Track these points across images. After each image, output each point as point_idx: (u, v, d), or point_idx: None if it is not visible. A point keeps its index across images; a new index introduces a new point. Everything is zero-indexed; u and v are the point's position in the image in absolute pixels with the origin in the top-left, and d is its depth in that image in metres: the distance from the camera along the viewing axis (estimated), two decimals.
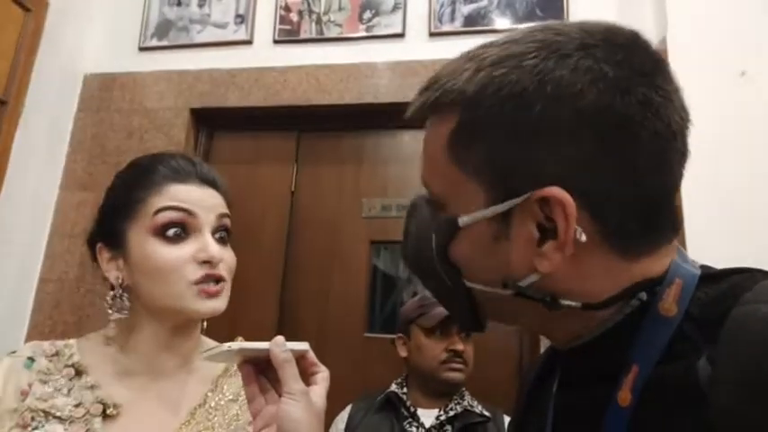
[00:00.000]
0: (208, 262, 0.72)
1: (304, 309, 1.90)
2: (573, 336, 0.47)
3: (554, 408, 0.51)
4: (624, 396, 0.42)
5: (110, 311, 0.74)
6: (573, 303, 0.44)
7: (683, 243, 1.34)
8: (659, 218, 0.45)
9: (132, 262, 0.73)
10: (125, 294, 0.74)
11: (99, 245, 0.77)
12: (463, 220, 0.46)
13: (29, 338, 1.85)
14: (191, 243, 0.73)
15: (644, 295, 0.43)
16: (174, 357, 0.77)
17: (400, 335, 1.44)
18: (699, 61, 1.50)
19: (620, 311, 0.44)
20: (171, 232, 0.72)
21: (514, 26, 1.85)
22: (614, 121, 0.41)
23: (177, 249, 0.72)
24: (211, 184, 0.78)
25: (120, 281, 0.74)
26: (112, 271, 0.75)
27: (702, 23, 1.55)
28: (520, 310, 0.48)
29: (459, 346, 1.34)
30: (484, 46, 0.46)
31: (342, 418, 1.40)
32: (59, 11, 2.02)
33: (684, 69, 1.61)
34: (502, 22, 1.88)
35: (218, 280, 0.74)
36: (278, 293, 1.91)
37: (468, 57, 0.46)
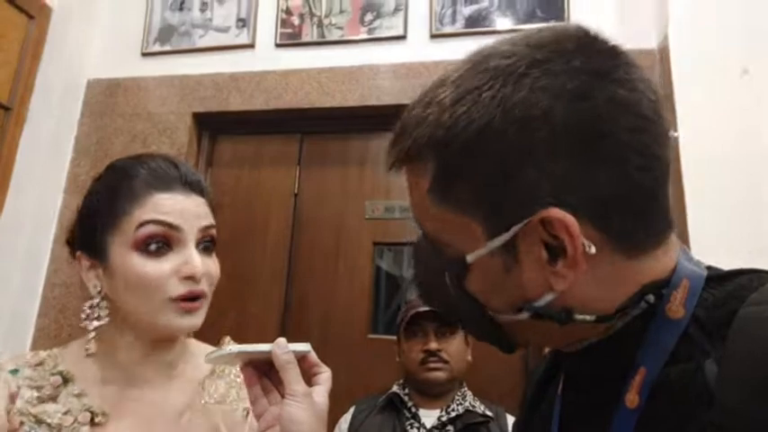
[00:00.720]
0: (191, 278, 0.70)
1: (308, 310, 1.90)
2: (581, 339, 0.47)
3: (560, 408, 0.51)
4: (632, 398, 0.42)
5: (85, 321, 0.72)
6: (587, 317, 0.44)
7: (686, 243, 1.34)
8: (655, 210, 0.45)
9: (112, 273, 0.71)
10: (103, 303, 0.72)
11: (78, 252, 0.74)
12: (470, 257, 0.45)
13: (35, 342, 1.86)
14: (173, 257, 0.70)
15: (651, 298, 0.43)
16: (156, 366, 0.75)
17: (396, 342, 1.47)
18: (700, 60, 1.50)
19: (627, 314, 0.44)
20: (153, 246, 0.69)
21: (515, 27, 1.85)
22: (587, 129, 0.41)
23: (159, 264, 0.69)
24: (196, 189, 0.74)
25: (98, 290, 0.72)
26: (92, 280, 0.73)
27: (703, 22, 1.55)
28: (540, 331, 0.48)
29: (433, 345, 1.34)
30: (438, 86, 0.46)
31: (345, 420, 1.40)
32: (62, 17, 2.04)
33: (685, 69, 1.61)
34: (503, 23, 1.89)
35: (199, 297, 0.71)
36: (282, 295, 1.91)
37: (427, 102, 0.46)
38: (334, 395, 0.63)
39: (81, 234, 0.74)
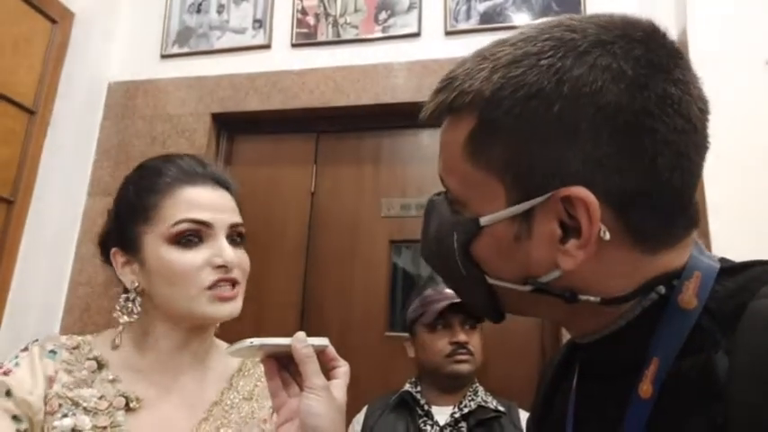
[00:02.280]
0: (223, 266, 0.73)
1: (326, 308, 1.92)
2: (592, 329, 0.48)
3: (575, 400, 0.51)
4: (645, 388, 0.42)
5: (119, 314, 0.75)
6: (592, 298, 0.44)
7: (706, 238, 1.32)
8: (680, 212, 0.45)
9: (148, 267, 0.74)
10: (138, 298, 0.75)
11: (114, 249, 0.77)
12: (485, 219, 0.46)
13: None
14: (205, 248, 0.74)
15: (662, 289, 0.44)
16: (189, 357, 0.78)
17: (407, 337, 1.46)
18: (720, 52, 1.47)
19: (638, 305, 0.45)
20: (186, 240, 0.73)
21: (531, 22, 1.84)
22: (634, 119, 0.41)
23: (192, 254, 0.73)
24: (223, 185, 0.79)
25: (135, 285, 0.75)
26: (128, 275, 0.76)
27: (723, 13, 1.52)
28: (539, 305, 0.48)
29: (462, 337, 1.34)
30: (498, 44, 0.46)
31: (358, 420, 1.41)
32: (84, 22, 2.08)
33: (706, 61, 1.59)
34: (518, 19, 1.88)
35: (234, 284, 0.75)
36: (300, 293, 1.93)
37: (483, 56, 0.46)
38: (351, 392, 0.64)
39: (115, 232, 0.78)
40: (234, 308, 0.75)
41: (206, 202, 0.75)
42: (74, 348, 0.74)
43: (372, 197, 1.97)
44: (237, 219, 0.78)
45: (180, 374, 0.77)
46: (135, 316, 0.75)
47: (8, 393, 0.68)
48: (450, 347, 1.34)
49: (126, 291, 0.77)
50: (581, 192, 0.41)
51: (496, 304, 0.51)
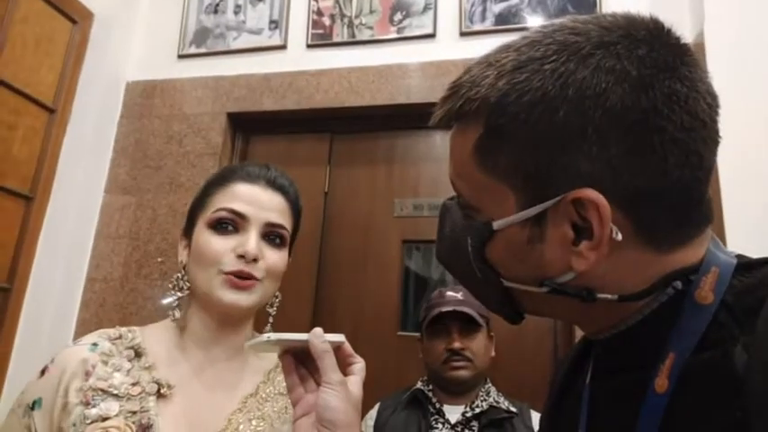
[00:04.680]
0: (242, 256, 0.76)
1: (338, 307, 1.93)
2: (608, 326, 0.48)
3: (589, 397, 0.51)
4: (661, 383, 0.42)
5: (171, 292, 0.81)
6: (609, 296, 0.45)
7: (721, 237, 1.31)
8: (693, 210, 0.45)
9: (192, 248, 0.81)
10: (185, 276, 0.81)
11: (182, 234, 0.86)
12: (497, 223, 0.46)
13: (77, 336, 1.94)
14: (236, 238, 0.78)
15: (679, 284, 0.44)
16: (226, 348, 0.81)
17: (418, 337, 1.48)
18: (738, 54, 1.46)
19: (655, 300, 0.45)
20: (221, 226, 0.79)
21: (546, 23, 1.83)
22: (641, 119, 0.41)
23: (222, 241, 0.78)
24: (277, 188, 0.83)
25: (182, 263, 0.82)
26: (181, 254, 0.83)
27: (741, 14, 1.51)
28: (556, 305, 0.48)
29: (457, 344, 1.34)
30: (502, 49, 0.47)
31: (371, 416, 1.42)
32: (103, 22, 2.11)
33: (723, 63, 1.58)
34: (534, 20, 1.88)
35: (249, 277, 0.77)
36: (313, 292, 1.94)
37: (488, 62, 0.46)
38: (364, 391, 0.64)
39: (187, 216, 0.86)
40: (242, 298, 0.76)
41: (248, 197, 0.80)
42: (116, 339, 0.78)
43: (385, 197, 1.98)
44: (279, 220, 0.81)
45: (216, 365, 0.80)
46: (185, 291, 0.80)
47: (35, 405, 0.72)
48: (445, 354, 1.35)
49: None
50: (591, 194, 0.41)
51: (514, 305, 0.51)
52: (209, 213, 0.80)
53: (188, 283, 0.81)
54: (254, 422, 0.76)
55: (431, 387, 1.41)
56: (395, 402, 1.42)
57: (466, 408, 1.34)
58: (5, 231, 1.81)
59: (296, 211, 0.86)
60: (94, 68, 2.07)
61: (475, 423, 1.32)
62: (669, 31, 0.45)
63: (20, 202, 1.85)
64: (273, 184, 0.83)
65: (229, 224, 0.79)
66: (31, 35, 1.87)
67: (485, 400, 1.35)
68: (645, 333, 0.45)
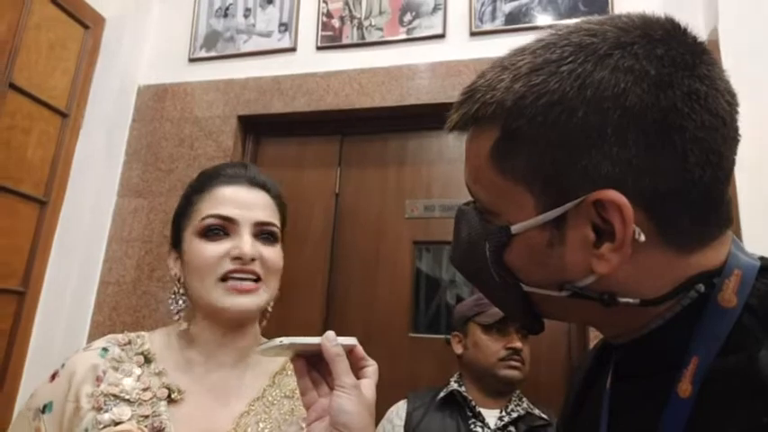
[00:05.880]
0: (238, 258, 0.76)
1: (350, 309, 1.93)
2: (629, 330, 0.47)
3: (609, 401, 0.51)
4: (685, 387, 0.41)
5: (171, 305, 0.81)
6: (631, 300, 0.44)
7: (737, 235, 1.29)
8: (714, 210, 0.44)
9: (184, 260, 0.80)
10: (182, 289, 0.81)
11: (169, 247, 0.85)
12: (516, 227, 0.46)
13: (90, 339, 1.95)
14: (228, 241, 0.78)
15: (701, 287, 0.43)
16: (232, 353, 0.81)
17: (456, 333, 1.44)
18: (751, 52, 1.44)
19: (677, 304, 0.44)
20: (211, 233, 0.78)
21: (557, 22, 1.82)
22: (660, 118, 0.41)
23: (215, 246, 0.77)
24: (260, 186, 0.82)
25: (177, 276, 0.81)
26: (173, 268, 0.83)
27: (755, 12, 1.49)
28: (576, 309, 0.48)
29: (518, 344, 1.33)
30: (517, 53, 0.46)
31: (398, 415, 1.38)
32: (115, 27, 2.13)
33: (736, 61, 1.56)
34: (544, 19, 1.86)
35: (256, 279, 0.77)
36: (324, 294, 1.94)
37: (503, 66, 0.46)
38: (376, 393, 0.64)
39: (172, 230, 0.85)
40: (251, 301, 0.77)
41: (234, 200, 0.79)
42: (125, 344, 0.78)
43: (396, 198, 1.98)
44: (266, 218, 0.81)
45: (223, 369, 0.80)
46: (185, 305, 0.80)
47: (45, 408, 0.73)
48: (504, 351, 1.33)
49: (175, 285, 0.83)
50: (613, 195, 0.41)
51: (533, 311, 0.51)
52: (195, 222, 0.79)
53: (184, 297, 0.80)
54: (261, 425, 0.77)
55: (464, 388, 1.38)
56: (425, 402, 1.38)
57: (502, 412, 1.32)
58: (20, 235, 1.83)
59: (281, 206, 0.85)
60: (106, 73, 2.09)
61: (512, 428, 1.30)
62: (686, 30, 0.44)
63: (34, 207, 1.87)
64: (255, 183, 0.82)
65: (219, 230, 0.78)
66: (45, 41, 1.89)
67: (519, 405, 1.34)
68: (667, 337, 0.45)
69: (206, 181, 0.82)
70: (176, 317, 0.80)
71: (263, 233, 0.80)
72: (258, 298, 0.77)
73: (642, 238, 0.41)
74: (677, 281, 0.44)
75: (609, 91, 0.41)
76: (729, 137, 0.43)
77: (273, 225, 0.82)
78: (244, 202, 0.80)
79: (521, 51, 0.46)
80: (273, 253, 0.80)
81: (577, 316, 0.51)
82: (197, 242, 0.78)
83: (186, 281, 0.80)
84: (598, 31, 0.43)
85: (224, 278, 0.76)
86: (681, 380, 0.42)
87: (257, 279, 0.77)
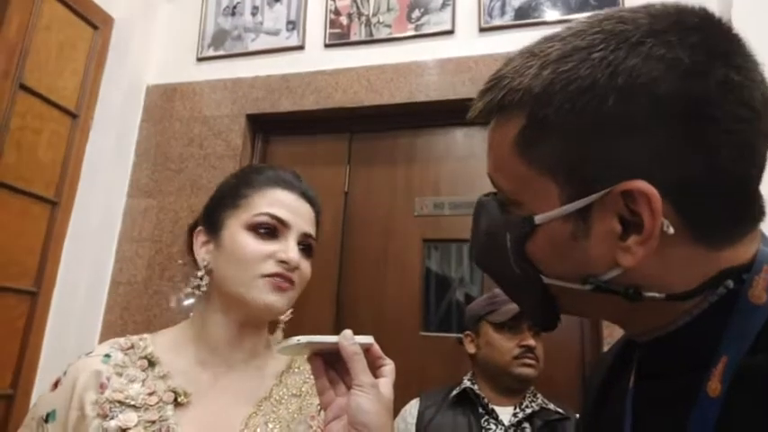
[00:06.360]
0: (284, 262, 0.77)
1: (359, 307, 1.92)
2: (654, 326, 0.46)
3: (633, 401, 0.50)
4: (714, 386, 0.40)
5: (188, 290, 0.81)
6: (657, 295, 0.43)
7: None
8: (744, 205, 0.43)
9: (222, 247, 0.80)
10: (206, 277, 0.81)
11: (199, 228, 0.84)
12: (539, 218, 0.45)
13: (102, 338, 1.96)
14: (276, 243, 0.79)
15: (730, 283, 0.42)
16: (242, 352, 0.81)
17: (468, 332, 1.43)
18: (765, 41, 1.42)
19: (705, 300, 0.43)
20: (262, 230, 0.79)
21: (567, 17, 1.80)
22: (694, 108, 0.40)
23: (263, 245, 0.78)
24: (309, 200, 0.85)
25: (205, 263, 0.81)
26: (202, 254, 0.82)
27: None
28: (599, 304, 0.47)
29: (532, 342, 1.33)
30: (546, 40, 0.45)
31: (411, 414, 1.38)
32: (123, 27, 2.14)
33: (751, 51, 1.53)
34: (553, 14, 1.84)
35: (291, 282, 0.79)
36: (334, 292, 1.94)
37: (532, 52, 0.45)
38: None
39: (206, 214, 0.85)
40: (283, 302, 0.78)
41: (289, 206, 0.82)
42: (128, 349, 0.78)
43: (405, 196, 1.97)
44: (312, 231, 0.84)
45: (231, 370, 0.80)
46: (200, 292, 0.80)
47: (49, 417, 0.72)
48: (518, 350, 1.32)
49: (197, 269, 0.83)
50: (642, 185, 0.40)
51: (552, 305, 0.49)
52: (247, 215, 0.80)
53: (206, 287, 0.80)
54: (270, 425, 0.77)
55: (477, 386, 1.37)
56: (437, 400, 1.38)
57: (516, 409, 1.32)
58: (32, 236, 1.83)
59: (318, 223, 0.88)
60: (115, 73, 2.10)
61: (526, 425, 1.29)
62: (720, 19, 0.43)
63: (45, 207, 1.88)
64: (306, 195, 0.85)
65: (270, 229, 0.79)
66: (55, 41, 1.90)
67: (533, 401, 1.34)
68: (694, 334, 0.44)
69: (261, 179, 0.83)
70: (190, 299, 0.81)
71: (304, 244, 0.82)
72: (287, 299, 0.79)
73: (671, 230, 0.40)
74: (705, 276, 0.42)
75: (641, 79, 0.40)
76: (764, 131, 0.42)
77: (314, 239, 0.84)
78: (297, 211, 0.82)
79: (550, 39, 0.45)
80: (308, 266, 0.83)
81: (600, 311, 0.50)
82: (245, 235, 0.78)
83: (217, 268, 0.80)
84: (630, 19, 0.42)
85: (265, 275, 0.77)
86: (710, 379, 0.41)
87: (291, 282, 0.79)
